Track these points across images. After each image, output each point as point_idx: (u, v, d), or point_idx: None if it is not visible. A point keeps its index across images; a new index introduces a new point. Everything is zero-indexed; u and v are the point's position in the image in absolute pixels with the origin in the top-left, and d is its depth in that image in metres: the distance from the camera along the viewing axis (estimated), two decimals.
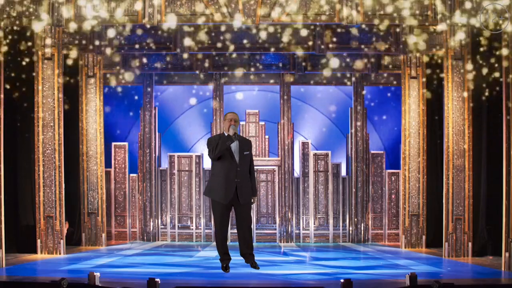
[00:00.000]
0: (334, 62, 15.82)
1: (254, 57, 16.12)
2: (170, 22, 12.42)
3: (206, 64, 16.00)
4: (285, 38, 14.84)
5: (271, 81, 16.58)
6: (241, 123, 16.19)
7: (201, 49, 15.08)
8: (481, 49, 12.43)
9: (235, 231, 8.91)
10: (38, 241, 12.72)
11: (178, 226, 16.36)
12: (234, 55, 15.86)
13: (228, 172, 8.49)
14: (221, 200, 8.53)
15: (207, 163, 16.67)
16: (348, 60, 15.97)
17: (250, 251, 8.73)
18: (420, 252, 13.78)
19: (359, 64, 15.87)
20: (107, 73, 15.90)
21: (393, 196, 16.18)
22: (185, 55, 15.57)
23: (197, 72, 16.18)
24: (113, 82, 16.18)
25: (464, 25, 12.20)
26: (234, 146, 8.54)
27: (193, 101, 17.66)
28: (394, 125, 17.08)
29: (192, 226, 16.34)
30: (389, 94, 17.17)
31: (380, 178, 16.25)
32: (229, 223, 8.72)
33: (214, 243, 15.66)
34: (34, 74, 12.75)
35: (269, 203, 16.41)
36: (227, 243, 8.81)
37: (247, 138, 9.53)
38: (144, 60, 15.95)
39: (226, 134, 8.57)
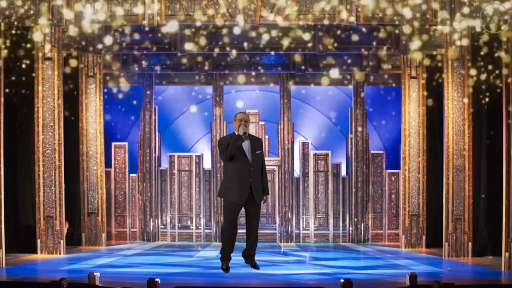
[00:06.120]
0: (334, 64, 15.81)
1: (254, 58, 16.11)
2: (170, 23, 12.41)
3: (206, 66, 15.98)
4: (285, 41, 14.83)
5: (271, 82, 16.56)
6: None
7: (201, 51, 15.07)
8: (481, 50, 12.42)
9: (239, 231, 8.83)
10: (38, 241, 12.71)
11: (178, 226, 16.36)
12: (234, 56, 15.85)
13: (242, 172, 8.42)
14: (237, 201, 8.45)
15: (207, 163, 16.68)
16: (349, 61, 15.96)
17: (253, 252, 8.71)
18: (420, 252, 13.78)
19: (358, 74, 15.88)
20: (107, 73, 15.88)
21: (393, 196, 16.18)
22: (185, 58, 15.58)
23: (197, 73, 16.19)
24: (113, 83, 16.17)
25: (464, 28, 12.20)
26: (246, 145, 8.47)
27: (193, 108, 17.67)
28: (394, 125, 17.07)
29: (192, 226, 16.33)
30: (389, 97, 17.16)
31: (380, 178, 16.25)
32: (237, 224, 8.67)
33: (214, 243, 15.71)
34: (33, 75, 12.74)
35: (269, 203, 16.40)
36: (234, 244, 8.69)
37: (258, 137, 9.47)
38: (144, 60, 15.95)
39: (237, 134, 8.49)
